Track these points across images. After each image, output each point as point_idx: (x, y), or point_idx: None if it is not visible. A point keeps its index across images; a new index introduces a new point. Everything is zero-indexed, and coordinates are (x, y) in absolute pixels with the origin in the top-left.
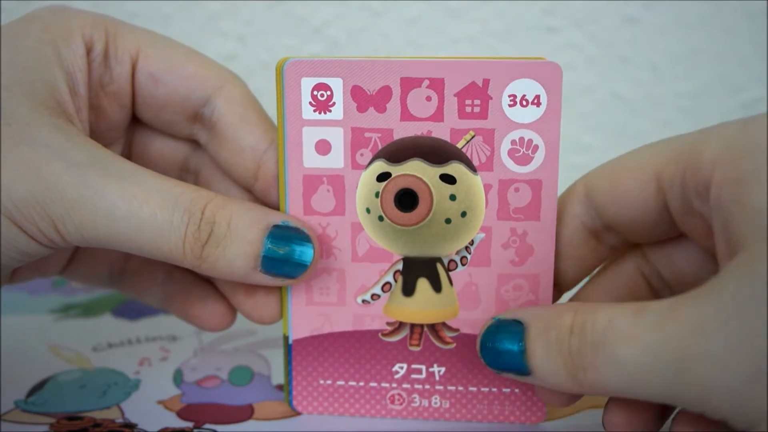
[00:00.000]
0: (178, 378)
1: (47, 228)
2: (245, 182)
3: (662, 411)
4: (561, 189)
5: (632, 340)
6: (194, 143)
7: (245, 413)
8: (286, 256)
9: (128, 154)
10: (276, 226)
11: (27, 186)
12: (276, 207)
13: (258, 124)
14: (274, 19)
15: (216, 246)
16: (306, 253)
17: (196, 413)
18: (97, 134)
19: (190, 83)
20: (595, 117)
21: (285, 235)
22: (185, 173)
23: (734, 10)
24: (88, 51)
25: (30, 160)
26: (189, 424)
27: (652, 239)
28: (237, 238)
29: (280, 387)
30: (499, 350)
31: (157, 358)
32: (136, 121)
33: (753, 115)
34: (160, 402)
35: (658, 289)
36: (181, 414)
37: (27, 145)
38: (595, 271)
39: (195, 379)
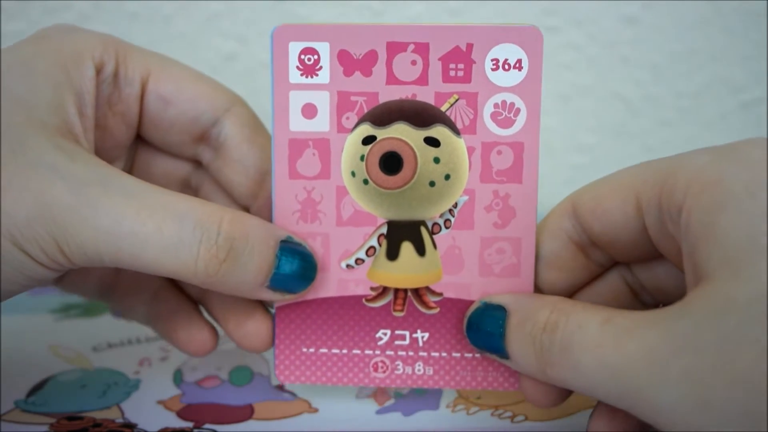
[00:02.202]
0: (178, 378)
1: (52, 250)
2: (245, 201)
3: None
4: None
5: (595, 350)
6: (196, 162)
7: (245, 413)
8: (295, 271)
9: (130, 171)
10: (283, 241)
11: (29, 208)
12: None
13: (263, 147)
14: (274, 19)
15: (235, 262)
16: (312, 267)
17: (196, 413)
18: (100, 152)
19: (199, 105)
20: (595, 117)
21: (293, 250)
22: (186, 189)
23: (734, 10)
24: (98, 72)
25: (33, 182)
26: (189, 424)
27: (635, 258)
28: (255, 253)
29: (280, 387)
30: (482, 332)
31: (157, 358)
32: (138, 139)
33: (727, 143)
34: (160, 402)
35: (641, 295)
36: (181, 414)
37: (30, 168)
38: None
39: (195, 379)
